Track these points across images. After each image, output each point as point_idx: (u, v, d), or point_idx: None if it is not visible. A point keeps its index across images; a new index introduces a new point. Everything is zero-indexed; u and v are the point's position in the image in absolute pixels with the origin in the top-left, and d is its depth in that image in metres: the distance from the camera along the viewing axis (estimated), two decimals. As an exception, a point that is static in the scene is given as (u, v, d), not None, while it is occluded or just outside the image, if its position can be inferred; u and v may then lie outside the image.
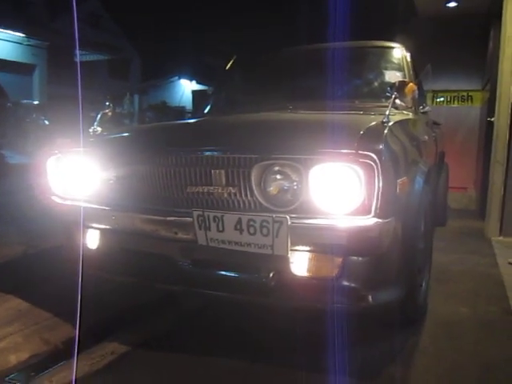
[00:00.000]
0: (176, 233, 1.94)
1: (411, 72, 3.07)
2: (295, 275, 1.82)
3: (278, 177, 1.80)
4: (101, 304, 2.35)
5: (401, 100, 2.24)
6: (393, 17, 6.82)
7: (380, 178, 1.66)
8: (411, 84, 2.29)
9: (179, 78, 24.99)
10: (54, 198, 2.26)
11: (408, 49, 3.22)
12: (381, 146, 1.73)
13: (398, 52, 3.19)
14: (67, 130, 2.38)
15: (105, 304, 2.38)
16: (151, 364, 2.01)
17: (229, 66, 3.65)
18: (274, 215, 1.71)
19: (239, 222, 1.75)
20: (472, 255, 3.66)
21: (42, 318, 2.23)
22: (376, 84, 3.11)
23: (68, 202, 2.22)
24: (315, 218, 1.74)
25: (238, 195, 1.85)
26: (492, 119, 4.58)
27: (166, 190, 1.98)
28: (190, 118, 3.85)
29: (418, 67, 3.22)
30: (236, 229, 1.76)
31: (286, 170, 1.79)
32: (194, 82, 24.38)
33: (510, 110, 4.20)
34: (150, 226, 2.01)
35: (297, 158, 1.77)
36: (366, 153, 1.68)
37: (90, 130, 2.37)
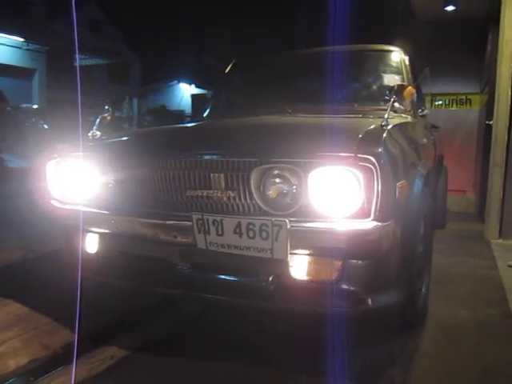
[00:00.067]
0: (175, 236, 1.94)
1: (410, 75, 3.07)
2: (295, 279, 1.82)
3: (278, 180, 1.80)
4: (100, 308, 2.35)
5: (399, 103, 2.25)
6: (391, 20, 6.84)
7: (379, 181, 1.67)
8: (410, 87, 2.30)
9: (178, 82, 25.04)
10: (53, 202, 2.26)
11: (406, 52, 3.23)
12: (380, 150, 1.73)
13: (397, 55, 3.20)
14: (66, 134, 2.38)
15: (104, 308, 2.38)
16: (151, 368, 2.01)
17: (228, 69, 3.66)
18: (273, 219, 1.71)
19: (238, 225, 1.75)
20: (471, 258, 3.66)
21: (41, 323, 2.23)
22: (375, 87, 3.12)
23: (67, 206, 2.22)
24: (314, 222, 1.74)
25: (237, 199, 1.85)
26: (490, 122, 4.59)
27: (166, 193, 1.98)
28: (189, 122, 3.86)
29: (417, 70, 3.22)
30: (235, 232, 1.76)
31: (285, 173, 1.79)
32: (193, 85, 24.43)
33: (508, 113, 4.21)
34: (149, 229, 2.01)
35: (296, 162, 1.77)
36: (365, 156, 1.68)
37: (89, 134, 2.37)
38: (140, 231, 2.04)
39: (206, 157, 1.91)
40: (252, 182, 1.81)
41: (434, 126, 3.97)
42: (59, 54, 17.62)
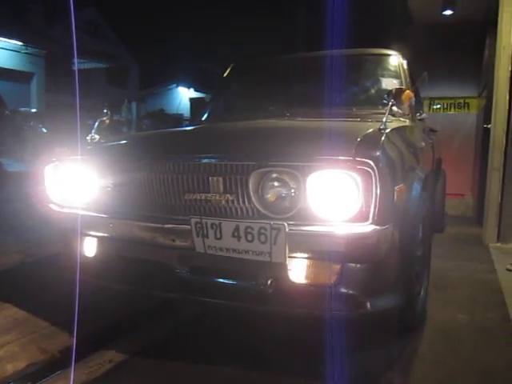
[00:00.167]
0: (174, 240, 1.93)
1: (408, 79, 3.08)
2: (293, 282, 1.82)
3: (276, 184, 1.80)
4: (98, 312, 2.34)
5: (398, 107, 2.25)
6: (389, 25, 6.86)
7: (377, 184, 1.67)
8: (408, 91, 2.30)
9: (177, 86, 25.07)
10: (51, 205, 2.25)
11: (405, 56, 3.24)
12: (378, 153, 1.74)
13: (395, 59, 3.21)
14: (65, 137, 2.38)
15: (102, 312, 2.37)
16: (149, 372, 2.00)
17: (226, 73, 3.67)
18: (271, 222, 1.71)
19: (237, 229, 1.75)
20: (470, 262, 3.66)
21: (39, 327, 2.22)
22: (373, 91, 3.13)
23: (66, 210, 2.21)
24: (313, 225, 1.74)
25: (235, 202, 1.85)
26: (488, 126, 4.60)
27: (164, 197, 1.98)
28: (187, 126, 3.86)
29: (415, 74, 3.23)
30: (234, 236, 1.76)
31: (283, 177, 1.80)
32: (191, 89, 24.46)
33: (506, 117, 4.22)
34: (147, 233, 2.01)
35: (294, 165, 1.77)
36: (363, 160, 1.69)
37: (88, 138, 2.37)
38: (138, 235, 2.03)
39: (205, 160, 1.91)
40: (250, 185, 1.81)
41: (432, 130, 3.98)
42: (57, 58, 17.63)
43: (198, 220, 1.81)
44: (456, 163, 5.76)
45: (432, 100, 6.34)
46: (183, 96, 22.79)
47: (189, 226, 1.83)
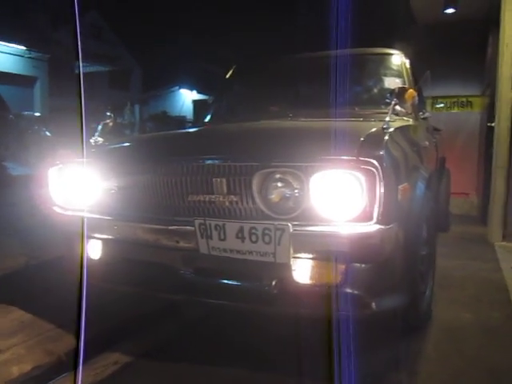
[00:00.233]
0: (178, 242, 1.94)
1: (410, 78, 3.08)
2: (298, 283, 1.82)
3: (280, 184, 1.80)
4: (103, 314, 2.34)
5: (401, 106, 2.25)
6: (391, 24, 6.85)
7: (381, 184, 1.66)
8: (411, 90, 2.30)
9: (179, 88, 25.10)
10: (55, 208, 2.26)
11: (407, 55, 3.24)
12: (381, 152, 1.73)
13: (397, 59, 3.20)
14: (69, 141, 2.39)
15: (107, 314, 2.38)
16: (154, 373, 2.00)
17: (229, 74, 3.67)
18: (275, 223, 1.71)
19: (241, 230, 1.75)
20: (475, 261, 3.65)
21: (44, 329, 2.23)
22: (376, 91, 3.13)
23: (70, 213, 2.22)
24: (317, 226, 1.74)
25: (239, 203, 1.85)
26: (492, 124, 4.59)
27: (168, 199, 1.98)
28: (190, 128, 3.86)
29: (418, 74, 3.23)
30: (238, 237, 1.76)
31: (287, 177, 1.80)
32: (194, 91, 24.49)
33: (510, 115, 4.20)
34: (151, 235, 2.01)
35: (298, 166, 1.77)
36: (366, 159, 1.68)
37: (92, 141, 2.38)
38: (142, 237, 2.04)
39: (208, 162, 1.91)
40: (254, 186, 1.81)
41: (435, 129, 3.97)
42: (60, 62, 17.69)
43: (202, 221, 1.81)
44: (460, 162, 5.73)
45: (435, 99, 6.32)
46: (186, 98, 22.83)
47: (193, 228, 1.84)
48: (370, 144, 1.78)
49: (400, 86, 2.53)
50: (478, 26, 6.00)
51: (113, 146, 2.40)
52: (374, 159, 1.68)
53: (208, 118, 3.44)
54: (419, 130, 2.84)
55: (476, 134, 6.37)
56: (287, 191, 1.80)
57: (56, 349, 2.06)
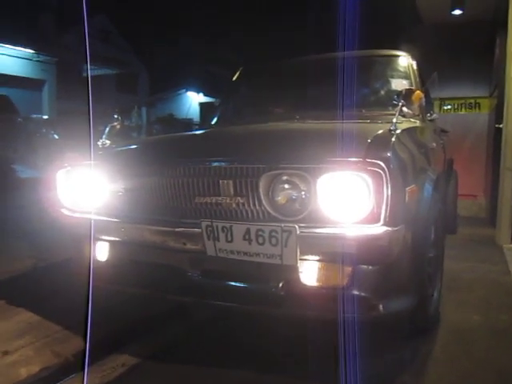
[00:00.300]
0: (185, 244, 1.94)
1: (418, 80, 3.07)
2: (305, 285, 1.81)
3: (286, 186, 1.80)
4: (111, 316, 2.35)
5: (408, 108, 2.24)
6: (398, 25, 6.84)
7: (388, 185, 1.66)
8: (418, 91, 2.29)
9: (186, 91, 25.15)
10: (63, 210, 2.27)
11: (414, 57, 3.23)
12: (389, 154, 1.73)
13: (404, 60, 3.19)
14: (76, 143, 2.40)
15: (115, 316, 2.38)
16: (162, 375, 2.01)
17: (235, 77, 3.68)
18: (282, 225, 1.71)
19: (248, 232, 1.75)
20: (483, 263, 3.63)
21: (52, 331, 2.24)
22: (383, 92, 3.12)
23: (78, 215, 2.23)
24: (324, 227, 1.74)
25: (246, 205, 1.85)
26: (500, 126, 4.56)
27: (175, 200, 1.99)
28: (197, 130, 3.87)
29: (425, 75, 3.22)
30: (245, 239, 1.76)
31: (294, 179, 1.79)
32: (201, 94, 24.54)
33: (518, 117, 4.18)
34: (158, 237, 2.02)
35: (305, 168, 1.77)
36: (374, 161, 1.68)
37: (99, 143, 2.39)
38: (150, 239, 2.04)
39: (215, 164, 1.91)
40: (261, 188, 1.81)
41: (443, 131, 3.95)
42: (68, 65, 17.80)
43: (209, 223, 1.81)
44: (468, 164, 5.71)
45: (442, 101, 6.30)
46: (192, 101, 22.88)
47: (200, 230, 1.84)
48: (377, 146, 1.78)
49: (407, 87, 2.52)
50: (485, 27, 5.98)
51: (120, 149, 2.41)
52: (381, 161, 1.67)
53: (215, 120, 3.44)
54: (426, 132, 2.82)
55: (484, 135, 6.34)
56: (294, 193, 1.79)
57: (64, 350, 2.07)
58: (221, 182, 1.88)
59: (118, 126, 2.53)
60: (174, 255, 2.04)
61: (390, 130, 1.91)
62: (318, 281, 1.81)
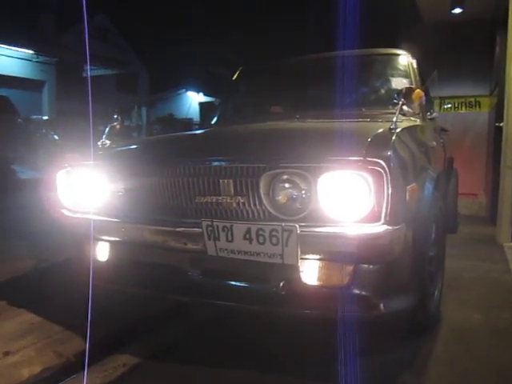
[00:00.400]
0: (185, 243, 1.94)
1: (418, 78, 3.06)
2: (306, 284, 1.81)
3: (287, 185, 1.80)
4: (112, 316, 2.35)
5: (408, 106, 2.24)
6: (398, 24, 6.84)
7: (389, 184, 1.66)
8: (418, 90, 2.29)
9: (186, 91, 25.17)
10: (64, 211, 2.27)
11: (414, 55, 3.22)
12: (389, 153, 1.73)
13: (404, 59, 3.19)
14: (76, 144, 2.41)
15: (116, 316, 2.39)
16: (162, 375, 2.01)
17: (235, 76, 3.68)
18: (283, 224, 1.71)
19: (248, 231, 1.75)
20: (484, 262, 3.62)
21: (54, 332, 2.24)
22: (383, 91, 3.12)
23: (78, 215, 2.23)
24: (325, 226, 1.73)
25: (246, 205, 1.85)
26: (501, 124, 4.56)
27: (175, 200, 1.99)
28: (197, 129, 3.87)
29: (425, 74, 3.22)
30: (245, 238, 1.76)
31: (294, 178, 1.79)
32: (200, 93, 24.56)
33: (518, 115, 4.17)
34: (159, 237, 2.02)
35: (305, 167, 1.77)
36: (374, 160, 1.68)
37: (99, 143, 2.39)
38: (150, 239, 2.04)
39: (215, 163, 1.91)
40: (261, 187, 1.81)
41: (443, 129, 3.95)
42: (68, 66, 17.81)
43: (210, 223, 1.81)
44: (468, 162, 5.71)
45: (442, 99, 6.30)
46: (192, 100, 22.90)
47: (200, 229, 1.84)
48: (378, 144, 1.78)
49: (407, 86, 2.52)
50: (485, 26, 5.98)
51: (120, 149, 2.41)
52: (381, 160, 1.67)
53: (214, 119, 3.44)
54: (427, 131, 2.82)
55: (484, 134, 6.34)
56: (294, 192, 1.79)
57: (65, 351, 2.07)
58: (221, 181, 1.88)
59: (118, 126, 2.53)
60: (174, 255, 2.04)
61: (391, 129, 1.90)
62: (318, 280, 1.81)
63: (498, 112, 4.97)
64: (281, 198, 1.81)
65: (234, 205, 1.86)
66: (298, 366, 2.01)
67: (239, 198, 1.85)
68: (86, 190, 2.22)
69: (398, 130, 1.92)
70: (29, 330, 2.25)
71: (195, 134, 3.10)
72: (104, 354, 2.11)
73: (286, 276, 1.81)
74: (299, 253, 1.70)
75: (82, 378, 1.90)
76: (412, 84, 2.94)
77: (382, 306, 1.82)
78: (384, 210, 1.67)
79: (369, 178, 1.67)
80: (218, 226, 1.80)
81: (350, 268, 1.77)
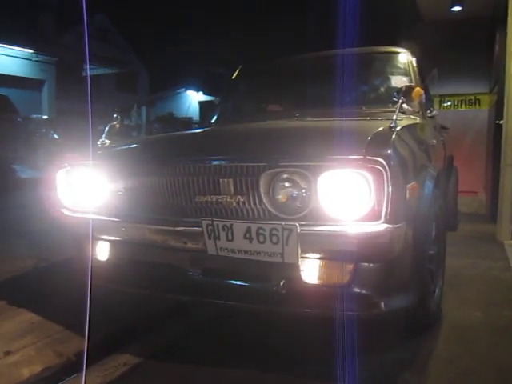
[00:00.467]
0: (185, 243, 1.94)
1: (417, 76, 3.06)
2: (306, 283, 1.81)
3: (287, 184, 1.80)
4: (112, 315, 2.35)
5: (408, 105, 2.24)
6: (398, 22, 6.83)
7: (389, 183, 1.66)
8: (418, 88, 2.28)
9: (186, 90, 25.15)
10: (63, 210, 2.27)
11: (414, 54, 3.22)
12: (389, 151, 1.72)
13: (404, 57, 3.19)
14: (76, 143, 2.40)
15: (116, 315, 2.39)
16: (163, 374, 2.01)
17: (235, 75, 3.67)
18: (283, 223, 1.71)
19: (248, 230, 1.75)
20: (484, 259, 3.62)
21: (54, 331, 2.24)
22: (382, 89, 3.12)
23: (78, 215, 2.23)
24: (325, 225, 1.73)
25: (246, 204, 1.85)
26: (501, 122, 4.55)
27: (175, 199, 1.98)
28: (197, 128, 3.87)
29: (425, 72, 3.21)
30: (245, 237, 1.75)
31: (294, 177, 1.79)
32: (200, 92, 24.53)
33: (518, 113, 4.17)
34: (159, 236, 2.02)
35: (305, 165, 1.77)
36: (374, 158, 1.67)
37: (99, 143, 2.39)
38: (150, 238, 2.04)
39: (215, 162, 1.91)
40: (261, 186, 1.81)
41: (443, 127, 3.94)
42: (68, 65, 17.80)
43: (210, 222, 1.81)
44: (468, 160, 5.70)
45: (442, 97, 6.29)
46: (192, 99, 22.86)
47: (200, 228, 1.84)
48: (378, 143, 1.77)
49: (407, 84, 2.52)
50: (484, 24, 5.97)
51: (120, 148, 2.40)
52: (381, 158, 1.67)
53: (214, 118, 3.44)
54: (427, 129, 2.82)
55: (484, 131, 6.34)
56: (294, 191, 1.79)
57: (65, 350, 2.07)
58: (221, 180, 1.87)
59: (118, 126, 2.53)
60: (174, 254, 2.04)
61: (390, 127, 1.90)
62: (319, 279, 1.81)
63: (498, 110, 4.97)
64: (281, 196, 1.80)
65: (234, 204, 1.86)
66: (298, 365, 2.00)
67: (239, 197, 1.85)
68: (86, 190, 2.22)
69: (398, 129, 1.92)
70: (29, 330, 2.25)
71: (195, 133, 3.10)
72: (104, 354, 2.11)
73: (287, 275, 1.81)
74: (299, 252, 1.70)
75: (82, 377, 1.90)
76: (412, 82, 2.94)
77: (382, 304, 1.82)
78: (384, 209, 1.67)
79: (369, 177, 1.66)
80: (218, 225, 1.80)
81: (350, 266, 1.77)
